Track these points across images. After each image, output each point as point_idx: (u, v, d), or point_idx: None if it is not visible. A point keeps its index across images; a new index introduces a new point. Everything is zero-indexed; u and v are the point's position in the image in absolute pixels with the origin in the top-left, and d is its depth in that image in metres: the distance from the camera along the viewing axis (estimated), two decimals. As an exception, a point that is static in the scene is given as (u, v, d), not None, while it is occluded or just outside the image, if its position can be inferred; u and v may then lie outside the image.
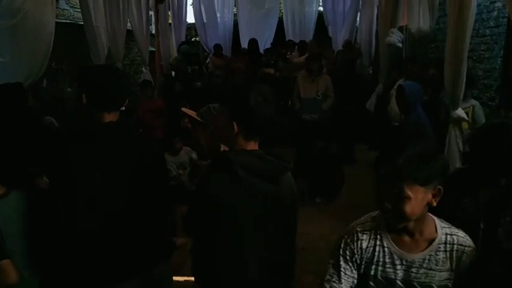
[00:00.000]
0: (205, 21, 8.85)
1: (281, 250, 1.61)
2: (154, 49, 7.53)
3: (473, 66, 4.81)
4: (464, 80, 3.48)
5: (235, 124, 1.46)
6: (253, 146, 1.52)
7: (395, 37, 5.43)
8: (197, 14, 8.86)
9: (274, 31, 9.10)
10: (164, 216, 1.90)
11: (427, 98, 4.26)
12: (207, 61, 8.01)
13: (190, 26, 9.50)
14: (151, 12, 7.76)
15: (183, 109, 2.00)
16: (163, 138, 5.01)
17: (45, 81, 5.37)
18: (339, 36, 8.32)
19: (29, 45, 4.40)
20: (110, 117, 1.75)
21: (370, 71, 7.65)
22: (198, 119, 1.85)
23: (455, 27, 3.32)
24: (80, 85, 1.76)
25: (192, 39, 9.78)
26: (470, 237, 1.42)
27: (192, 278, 1.63)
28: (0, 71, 4.13)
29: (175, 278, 3.37)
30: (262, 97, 1.46)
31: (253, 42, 7.82)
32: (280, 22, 9.29)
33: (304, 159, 4.93)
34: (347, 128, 5.93)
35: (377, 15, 6.83)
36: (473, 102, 4.01)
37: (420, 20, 5.01)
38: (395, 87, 5.03)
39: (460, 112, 3.62)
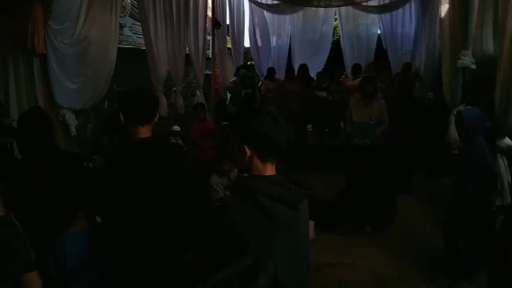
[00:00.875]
0: (259, 45, 8.99)
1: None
2: (210, 72, 7.77)
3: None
4: None
5: (246, 148, 1.49)
6: (270, 169, 1.52)
7: (468, 59, 5.11)
8: (252, 37, 9.00)
9: (328, 54, 9.02)
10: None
11: (490, 124, 3.93)
12: (259, 84, 8.09)
13: (247, 50, 9.70)
14: (209, 37, 8.04)
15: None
16: (213, 159, 5.09)
17: (106, 103, 5.70)
18: (397, 60, 8.05)
19: (93, 71, 4.71)
20: (144, 131, 2.07)
21: (431, 95, 7.27)
22: None
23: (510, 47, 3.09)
24: (119, 105, 2.11)
25: (248, 63, 9.97)
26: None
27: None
28: (69, 95, 4.43)
29: None
30: (271, 118, 1.49)
31: (303, 67, 7.80)
32: (336, 45, 9.20)
33: (354, 185, 4.75)
34: (403, 154, 5.64)
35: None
36: None
37: (483, 41, 4.69)
38: (454, 112, 4.75)
39: (507, 141, 3.32)
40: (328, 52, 9.03)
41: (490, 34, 4.63)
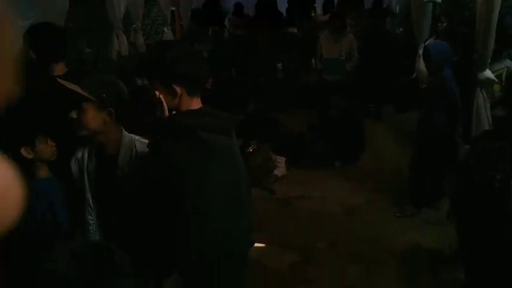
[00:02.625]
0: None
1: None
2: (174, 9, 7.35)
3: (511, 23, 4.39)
4: (493, 37, 3.18)
5: (177, 87, 1.46)
6: (197, 102, 1.54)
7: None
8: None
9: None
10: None
11: (458, 58, 3.94)
12: (225, 21, 7.73)
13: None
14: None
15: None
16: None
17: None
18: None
19: (45, 5, 4.32)
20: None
21: (401, 30, 7.20)
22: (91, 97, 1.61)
23: None
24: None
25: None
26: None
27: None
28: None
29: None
30: (190, 52, 1.60)
31: (270, 0, 7.45)
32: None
33: (324, 121, 4.77)
34: (372, 87, 5.66)
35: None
36: (509, 63, 3.69)
37: None
38: (422, 46, 4.73)
39: (488, 74, 3.34)
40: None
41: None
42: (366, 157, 4.72)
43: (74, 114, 1.57)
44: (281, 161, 4.47)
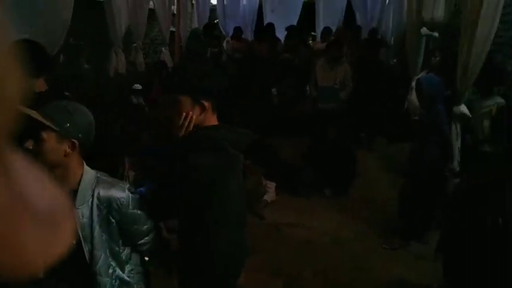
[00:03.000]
0: (225, 2, 8.66)
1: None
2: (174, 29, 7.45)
3: (503, 61, 4.51)
4: (474, 73, 3.28)
5: (205, 102, 1.53)
6: (215, 119, 1.62)
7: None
8: (218, -7, 8.67)
9: (298, 16, 8.81)
10: None
11: (450, 93, 4.03)
12: (224, 44, 7.85)
13: (214, 7, 9.35)
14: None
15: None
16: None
17: (62, 57, 5.39)
18: (367, 26, 7.99)
19: (47, 20, 4.38)
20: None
21: (395, 61, 7.35)
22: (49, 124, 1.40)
23: (470, 10, 3.12)
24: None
25: (215, 21, 9.64)
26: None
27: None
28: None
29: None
30: (212, 68, 1.64)
31: (269, 27, 7.60)
32: (306, 6, 8.99)
33: (316, 149, 4.80)
34: (365, 117, 5.74)
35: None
36: (499, 100, 3.77)
37: (435, 8, 4.71)
38: (415, 79, 4.82)
39: (463, 108, 3.45)
40: (298, 13, 8.83)
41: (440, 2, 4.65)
42: (356, 187, 4.75)
43: (29, 144, 1.36)
44: (271, 186, 4.48)
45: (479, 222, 1.91)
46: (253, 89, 6.32)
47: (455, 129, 3.49)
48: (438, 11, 4.49)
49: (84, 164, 1.54)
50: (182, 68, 1.70)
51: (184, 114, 1.52)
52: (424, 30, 4.93)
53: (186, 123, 1.51)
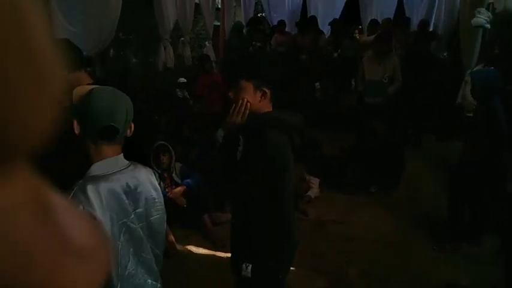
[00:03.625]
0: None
1: None
2: (219, 23, 7.51)
3: None
4: None
5: (266, 89, 1.59)
6: (271, 107, 1.66)
7: (483, 18, 4.82)
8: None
9: (342, 7, 8.59)
10: None
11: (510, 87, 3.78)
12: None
13: (258, 1, 9.33)
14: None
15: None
16: (220, 113, 5.00)
17: (111, 51, 5.56)
18: (416, 17, 7.67)
19: (97, 15, 4.51)
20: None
21: (446, 55, 7.01)
22: None
23: None
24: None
25: (259, 15, 9.61)
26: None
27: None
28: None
29: (218, 254, 3.41)
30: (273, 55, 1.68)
31: (311, 19, 7.47)
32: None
33: (363, 144, 4.68)
34: (414, 114, 5.53)
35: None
36: None
37: None
38: (469, 73, 4.58)
39: None
40: (342, 5, 8.62)
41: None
42: (402, 184, 4.58)
43: None
44: (315, 182, 4.41)
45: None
46: (297, 83, 6.25)
47: None
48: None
49: None
50: (248, 55, 1.91)
51: (241, 100, 1.57)
52: (475, 20, 4.66)
53: (243, 109, 1.55)
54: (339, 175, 4.56)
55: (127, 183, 1.36)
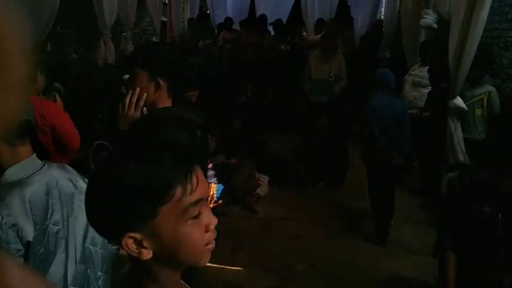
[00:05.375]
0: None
1: None
2: (166, 19, 7.33)
3: (498, 53, 4.48)
4: (468, 65, 3.22)
5: (161, 81, 1.46)
6: (170, 103, 1.53)
7: (430, 18, 5.02)
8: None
9: (290, 8, 8.70)
10: None
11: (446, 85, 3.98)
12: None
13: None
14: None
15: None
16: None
17: (49, 45, 5.23)
18: (360, 17, 7.89)
19: (33, 6, 4.22)
20: None
21: (388, 55, 7.27)
22: None
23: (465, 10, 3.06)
24: None
25: (208, 12, 9.49)
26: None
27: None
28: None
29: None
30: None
31: (261, 18, 7.47)
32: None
33: (309, 142, 4.74)
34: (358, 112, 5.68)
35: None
36: (490, 88, 3.79)
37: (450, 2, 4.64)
38: (410, 72, 4.79)
39: (458, 101, 3.39)
40: (291, 5, 8.72)
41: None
42: (348, 180, 4.70)
43: None
44: (264, 180, 4.41)
45: (479, 216, 1.86)
46: (244, 81, 6.21)
47: (453, 122, 3.44)
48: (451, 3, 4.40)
49: None
50: (145, 45, 1.77)
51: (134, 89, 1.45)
52: (423, 21, 4.86)
53: (134, 99, 1.43)
54: (288, 173, 4.60)
55: (47, 183, 1.27)
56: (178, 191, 0.67)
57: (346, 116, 5.22)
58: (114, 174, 0.67)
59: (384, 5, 6.98)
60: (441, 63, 4.17)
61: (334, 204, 4.21)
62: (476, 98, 3.75)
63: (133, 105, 1.42)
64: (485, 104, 3.72)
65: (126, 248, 0.69)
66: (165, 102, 1.51)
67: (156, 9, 6.78)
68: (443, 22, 5.42)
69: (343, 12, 8.21)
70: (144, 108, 1.46)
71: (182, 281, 0.80)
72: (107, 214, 0.68)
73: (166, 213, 0.67)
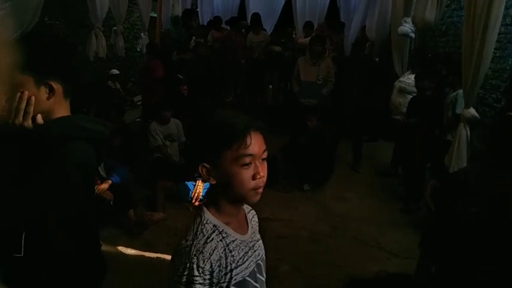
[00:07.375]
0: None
1: None
2: (156, 15, 7.27)
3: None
4: (482, 76, 3.27)
5: (54, 84, 1.20)
6: (68, 110, 1.28)
7: (408, 27, 5.15)
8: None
9: (280, 10, 8.74)
10: None
11: (430, 93, 4.06)
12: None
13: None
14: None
15: None
16: (154, 105, 4.84)
17: (36, 36, 5.13)
18: (350, 23, 7.97)
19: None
20: None
21: (377, 60, 7.37)
22: None
23: (479, 21, 3.07)
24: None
25: (197, 9, 9.45)
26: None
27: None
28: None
29: (148, 254, 3.31)
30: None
31: (255, 17, 7.47)
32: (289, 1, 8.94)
33: (296, 144, 4.76)
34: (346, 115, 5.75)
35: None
36: (459, 90, 3.90)
37: (426, 9, 4.74)
38: (400, 79, 4.87)
39: (472, 111, 3.41)
40: (281, 7, 8.76)
41: (434, 2, 4.67)
42: (334, 182, 4.75)
43: None
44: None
45: (460, 214, 1.90)
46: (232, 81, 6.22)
47: (466, 133, 3.40)
48: (429, 11, 4.48)
49: None
50: (29, 42, 1.18)
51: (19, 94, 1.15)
52: (401, 29, 4.95)
53: (23, 106, 1.15)
54: (273, 174, 4.61)
55: None
56: (237, 143, 1.04)
57: (334, 120, 5.28)
58: (207, 125, 1.10)
59: (376, 13, 7.04)
60: (427, 71, 4.27)
61: (319, 206, 4.25)
62: (448, 101, 4.05)
63: (21, 112, 1.15)
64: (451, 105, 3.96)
65: (201, 172, 1.07)
66: (64, 107, 1.26)
67: (146, 4, 6.72)
68: (429, 31, 5.56)
69: (333, 17, 8.29)
70: (39, 115, 1.19)
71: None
72: (198, 147, 1.12)
73: (227, 156, 1.05)
